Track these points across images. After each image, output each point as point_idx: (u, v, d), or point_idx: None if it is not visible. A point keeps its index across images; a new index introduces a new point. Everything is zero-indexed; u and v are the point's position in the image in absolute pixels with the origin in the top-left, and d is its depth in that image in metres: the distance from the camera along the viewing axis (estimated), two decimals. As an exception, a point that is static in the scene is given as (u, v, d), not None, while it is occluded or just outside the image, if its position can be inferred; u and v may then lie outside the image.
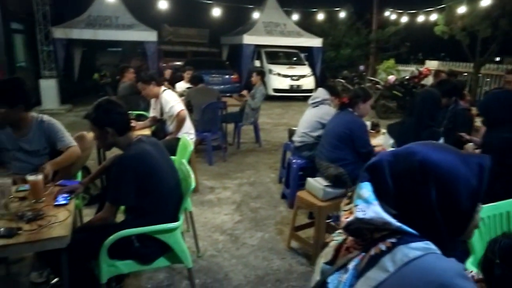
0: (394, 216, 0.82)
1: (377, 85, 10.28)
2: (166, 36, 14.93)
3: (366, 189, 0.86)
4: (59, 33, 10.67)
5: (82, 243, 2.05)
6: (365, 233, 0.88)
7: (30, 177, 2.16)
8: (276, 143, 6.83)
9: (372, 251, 0.82)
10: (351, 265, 0.85)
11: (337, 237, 1.00)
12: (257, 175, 5.13)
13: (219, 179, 4.89)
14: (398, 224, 0.81)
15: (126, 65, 6.43)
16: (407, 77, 10.21)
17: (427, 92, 3.10)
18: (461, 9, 9.73)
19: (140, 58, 12.94)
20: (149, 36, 11.64)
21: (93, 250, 2.06)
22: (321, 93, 4.04)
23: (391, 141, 3.17)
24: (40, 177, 2.18)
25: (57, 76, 10.37)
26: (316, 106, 4.00)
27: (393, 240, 0.80)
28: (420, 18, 13.21)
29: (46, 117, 2.72)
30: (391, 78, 10.14)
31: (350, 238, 0.94)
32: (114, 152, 2.45)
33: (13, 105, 2.44)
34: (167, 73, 6.84)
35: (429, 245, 0.79)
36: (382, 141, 3.72)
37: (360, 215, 0.84)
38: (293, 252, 3.21)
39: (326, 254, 0.99)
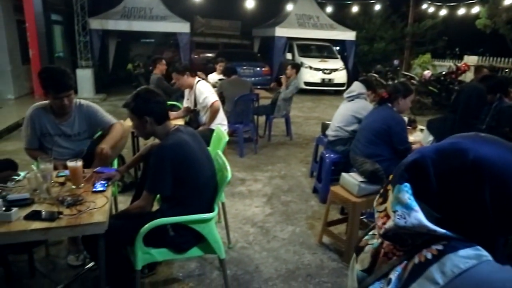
0: (437, 220, 0.75)
1: (412, 80, 9.99)
2: (198, 28, 15.04)
3: (406, 193, 0.78)
4: (95, 24, 10.94)
5: (119, 229, 2.08)
6: (404, 238, 0.81)
7: (70, 163, 2.21)
8: (307, 137, 6.76)
9: (416, 259, 0.75)
10: (393, 275, 0.78)
11: (372, 240, 0.93)
12: (288, 168, 5.09)
13: (250, 171, 4.89)
14: (443, 231, 0.74)
15: (159, 56, 6.48)
16: (443, 73, 9.86)
17: (472, 87, 2.96)
18: (507, 1, 9.26)
19: (172, 50, 13.11)
20: (182, 27, 11.74)
21: (129, 237, 2.10)
22: (357, 87, 3.94)
23: (431, 138, 3.04)
24: (79, 163, 2.22)
25: (92, 66, 10.64)
26: (352, 100, 3.91)
27: (439, 247, 0.73)
28: (461, 11, 12.68)
29: (83, 101, 2.82)
30: (427, 73, 9.83)
31: (387, 242, 0.88)
32: (150, 141, 2.48)
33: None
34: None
35: (479, 251, 0.71)
36: (419, 138, 3.60)
37: (401, 223, 0.77)
38: (324, 248, 3.17)
39: (362, 260, 0.92)
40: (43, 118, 2.65)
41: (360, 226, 3.03)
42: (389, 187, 0.85)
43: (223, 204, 3.15)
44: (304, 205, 3.97)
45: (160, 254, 2.19)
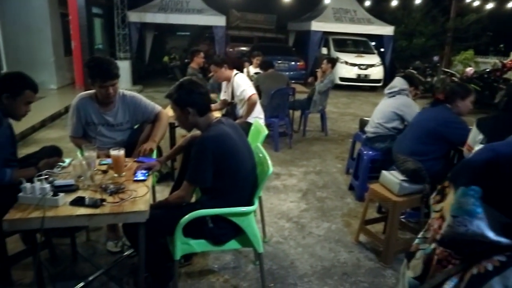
0: (505, 226, 0.68)
1: (453, 78, 9.62)
2: (233, 21, 15.07)
3: (470, 197, 0.71)
4: (134, 17, 11.17)
5: (159, 219, 2.10)
6: (462, 245, 0.75)
7: (113, 152, 2.25)
8: (342, 133, 6.65)
9: (475, 270, 0.69)
10: (448, 285, 0.73)
11: (423, 245, 0.87)
12: (323, 164, 5.01)
13: (285, 166, 4.85)
14: (509, 240, 0.67)
15: (197, 49, 6.48)
16: (487, 70, 9.43)
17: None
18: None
19: (207, 43, 13.21)
20: (217, 21, 11.79)
21: (169, 227, 2.11)
22: (399, 82, 3.81)
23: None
24: (122, 152, 2.26)
25: (130, 58, 10.88)
26: (393, 96, 3.79)
27: (502, 258, 0.67)
28: (510, 4, 12.03)
29: (126, 92, 2.87)
30: (469, 70, 9.45)
31: (441, 248, 0.82)
32: (181, 132, 2.47)
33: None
34: None
35: None
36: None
37: (461, 230, 0.71)
38: (361, 246, 3.09)
39: (414, 267, 0.86)
40: (88, 107, 2.71)
41: (399, 226, 2.94)
42: (447, 183, 0.79)
43: (260, 197, 3.13)
44: (340, 202, 3.90)
45: (198, 245, 2.19)
